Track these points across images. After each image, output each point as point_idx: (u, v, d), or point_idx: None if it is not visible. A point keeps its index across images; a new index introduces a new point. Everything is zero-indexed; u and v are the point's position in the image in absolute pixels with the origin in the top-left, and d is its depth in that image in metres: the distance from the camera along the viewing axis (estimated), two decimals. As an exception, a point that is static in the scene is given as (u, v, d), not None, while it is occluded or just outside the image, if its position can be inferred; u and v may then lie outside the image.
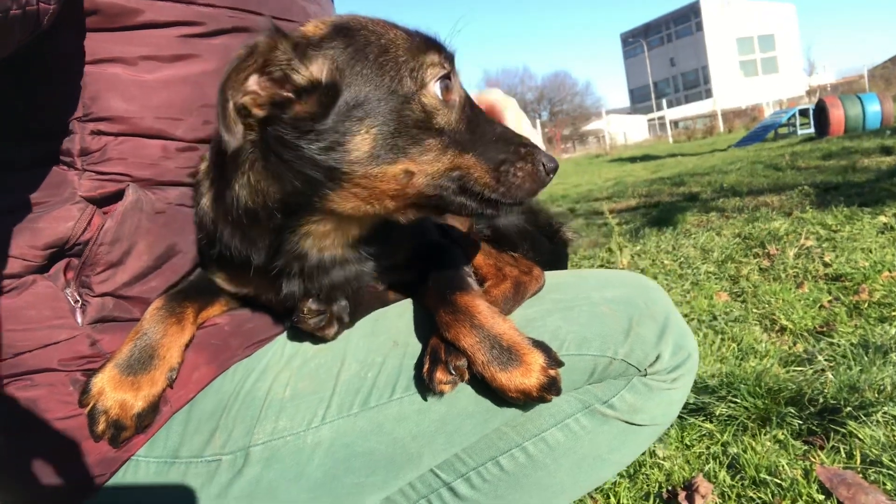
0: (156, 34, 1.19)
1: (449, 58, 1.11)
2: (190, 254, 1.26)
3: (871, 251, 4.61)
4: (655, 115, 59.70)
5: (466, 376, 1.11)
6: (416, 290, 1.32)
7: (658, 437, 1.42)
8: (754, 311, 3.89)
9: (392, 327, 1.27)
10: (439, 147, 1.05)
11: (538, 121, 45.04)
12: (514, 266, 1.33)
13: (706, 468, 2.13)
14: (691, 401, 2.62)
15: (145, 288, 1.19)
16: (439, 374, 1.10)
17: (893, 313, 3.35)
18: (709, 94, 75.44)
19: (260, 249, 1.15)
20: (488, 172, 1.06)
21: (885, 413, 2.19)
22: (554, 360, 1.10)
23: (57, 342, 1.10)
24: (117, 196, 1.18)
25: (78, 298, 1.14)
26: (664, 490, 2.07)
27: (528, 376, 1.07)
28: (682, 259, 5.42)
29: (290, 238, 1.13)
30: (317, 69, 1.03)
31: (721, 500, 1.96)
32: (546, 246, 1.48)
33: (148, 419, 1.11)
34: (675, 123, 52.86)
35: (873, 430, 2.11)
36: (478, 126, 1.11)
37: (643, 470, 2.20)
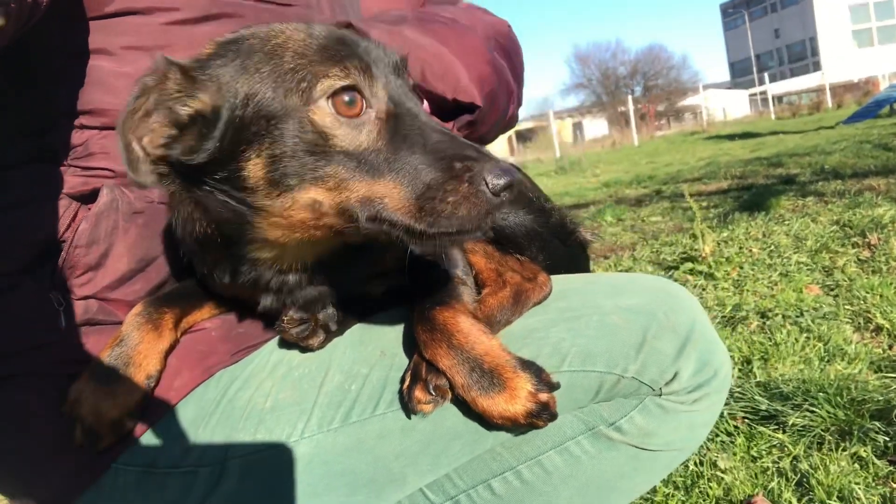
0: (137, 21, 1.14)
1: (357, 66, 0.94)
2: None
3: None
4: (757, 89, 56.66)
5: (449, 396, 1.01)
6: (409, 296, 1.22)
7: (680, 463, 1.27)
8: (847, 307, 3.58)
9: (381, 336, 1.18)
10: (344, 173, 0.91)
11: (630, 97, 43.60)
12: (516, 272, 1.21)
13: (770, 485, 1.95)
14: (763, 408, 2.42)
15: (129, 290, 1.16)
16: (418, 394, 1.01)
17: None
18: (816, 66, 70.98)
19: (222, 271, 1.09)
20: (408, 200, 0.88)
21: None
22: (545, 384, 0.98)
23: (43, 345, 1.09)
24: (96, 191, 1.14)
25: (62, 301, 1.11)
26: (720, 508, 1.91)
27: (513, 402, 0.97)
28: (772, 247, 5.08)
29: (246, 264, 1.06)
30: (204, 96, 0.94)
31: (783, 525, 1.78)
32: (559, 249, 1.34)
33: (124, 427, 1.08)
34: (779, 99, 49.95)
35: (971, 455, 1.87)
36: (406, 140, 0.92)
37: (700, 482, 2.04)
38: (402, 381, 1.07)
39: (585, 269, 1.48)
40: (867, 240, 4.79)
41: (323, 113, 0.92)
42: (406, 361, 1.12)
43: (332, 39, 0.96)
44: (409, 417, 1.07)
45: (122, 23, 1.13)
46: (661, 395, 1.13)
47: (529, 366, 1.00)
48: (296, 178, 0.92)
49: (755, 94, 56.27)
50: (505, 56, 1.57)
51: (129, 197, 1.15)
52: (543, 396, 0.97)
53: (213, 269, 1.10)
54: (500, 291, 1.18)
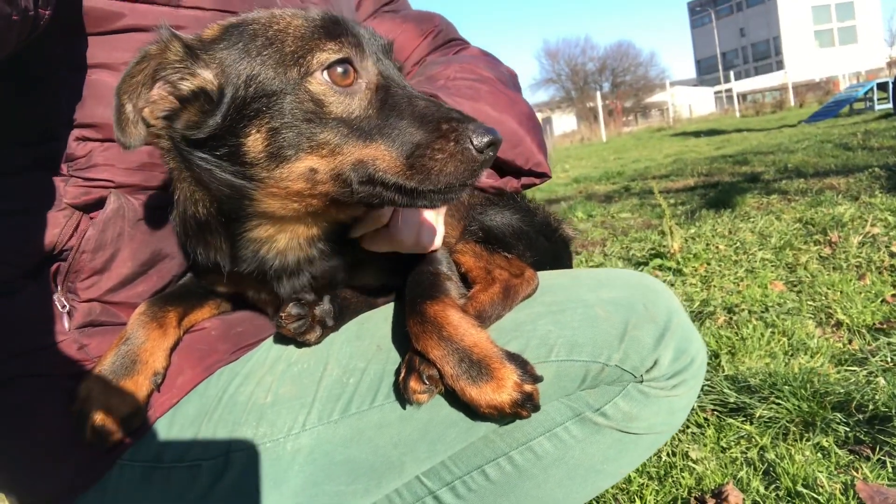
0: (142, 38, 1.15)
1: (349, 41, 1.01)
2: (177, 258, 1.25)
3: (942, 241, 4.33)
4: (723, 87, 57.52)
5: (441, 387, 1.06)
6: (400, 292, 1.27)
7: (661, 445, 1.34)
8: (809, 303, 3.71)
9: (377, 331, 1.22)
10: (338, 138, 0.97)
11: (598, 93, 43.95)
12: (504, 269, 1.26)
13: (740, 474, 2.03)
14: (731, 400, 2.51)
15: (132, 293, 1.18)
16: (413, 384, 1.05)
17: (962, 311, 3.13)
18: (780, 65, 72.29)
19: (224, 256, 1.13)
20: (398, 159, 0.95)
21: (940, 426, 2.04)
22: (529, 375, 1.03)
23: (46, 347, 1.10)
24: (102, 202, 1.17)
25: (65, 304, 1.14)
26: (693, 496, 1.98)
27: (499, 392, 1.01)
28: (738, 244, 5.21)
29: (246, 244, 1.11)
30: (207, 73, 1.00)
31: (752, 512, 1.86)
32: (544, 245, 1.40)
33: (134, 423, 1.10)
34: (744, 97, 50.82)
35: (925, 444, 1.98)
36: (395, 108, 0.99)
37: (673, 472, 2.12)
38: (398, 372, 1.12)
39: (569, 264, 1.53)
40: (828, 237, 4.94)
41: (319, 83, 0.99)
42: (401, 355, 1.16)
43: (327, 20, 1.04)
44: (404, 407, 1.12)
45: (126, 39, 1.15)
46: (642, 382, 1.19)
47: (515, 358, 1.05)
48: (293, 148, 0.98)
49: (720, 92, 57.15)
50: (534, 133, 1.63)
51: (134, 204, 1.18)
52: (528, 387, 1.02)
53: (214, 255, 1.14)
54: (490, 288, 1.22)
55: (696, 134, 23.32)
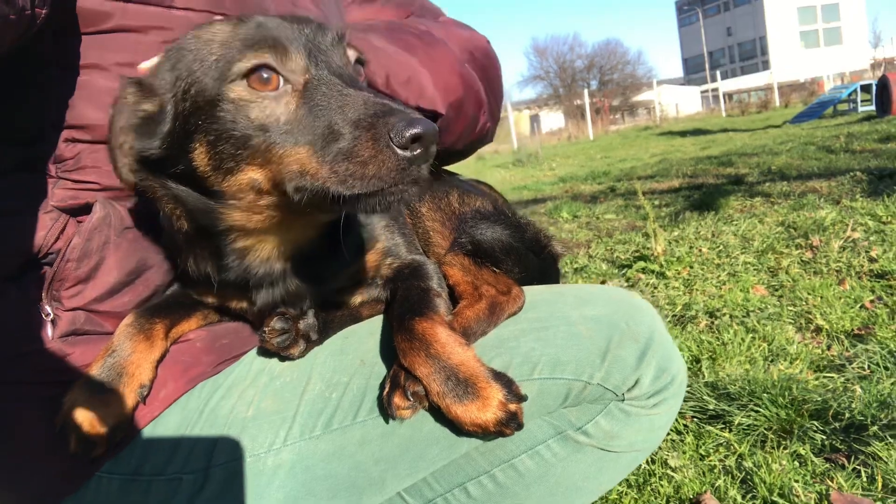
0: (131, 39, 1.15)
1: (269, 44, 0.98)
2: (163, 267, 1.24)
3: (921, 247, 4.39)
4: (709, 86, 57.86)
5: (426, 403, 1.06)
6: (389, 308, 1.28)
7: (639, 463, 1.36)
8: (790, 308, 3.75)
9: (362, 346, 1.23)
10: (265, 146, 0.96)
11: (586, 91, 44.03)
12: (491, 285, 1.26)
13: (718, 483, 2.06)
14: (711, 407, 2.54)
15: (117, 303, 1.18)
16: (397, 400, 1.06)
17: (938, 318, 3.18)
18: (766, 65, 72.85)
19: (211, 266, 1.14)
20: (320, 164, 0.91)
21: (913, 435, 2.07)
22: (514, 395, 1.04)
23: (28, 353, 1.10)
24: (89, 207, 1.16)
25: (49, 311, 1.13)
26: (670, 505, 2.01)
27: (484, 411, 1.02)
28: (721, 247, 5.26)
29: (230, 253, 1.12)
30: (154, 98, 1.02)
31: (729, 521, 1.89)
32: (533, 262, 1.41)
33: (118, 435, 1.10)
34: (730, 96, 51.16)
35: (899, 454, 2.01)
36: (322, 108, 0.94)
37: (652, 480, 2.14)
38: (382, 387, 1.12)
39: (556, 280, 1.55)
40: (810, 241, 5.00)
41: (239, 91, 0.97)
42: (385, 370, 1.17)
43: (251, 26, 1.02)
44: (387, 422, 1.12)
45: (116, 39, 1.14)
46: (623, 401, 1.20)
47: (501, 377, 1.05)
48: (232, 160, 0.98)
49: (707, 91, 57.50)
50: (479, 70, 1.61)
51: (120, 212, 1.17)
52: (513, 407, 1.03)
53: (202, 266, 1.15)
54: (477, 304, 1.23)
55: (683, 133, 23.45)
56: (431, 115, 1.43)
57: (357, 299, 1.30)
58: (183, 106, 1.01)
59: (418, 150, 0.87)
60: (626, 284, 4.77)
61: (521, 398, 1.05)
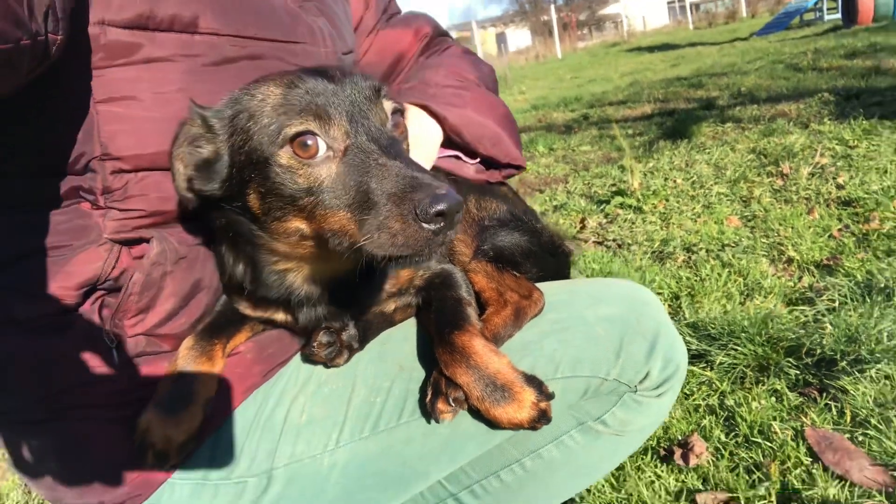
0: (162, 68, 1.19)
1: (313, 113, 1.08)
2: (212, 286, 1.34)
3: (886, 172, 4.56)
4: (676, -4, 56.97)
5: (465, 407, 1.19)
6: (420, 312, 1.40)
7: (646, 439, 1.52)
8: (763, 240, 3.92)
9: (398, 352, 1.34)
10: (310, 206, 1.07)
11: (553, 6, 43.06)
12: (514, 290, 1.37)
13: (703, 422, 2.25)
14: (693, 347, 2.71)
15: (174, 325, 1.27)
16: (440, 405, 1.18)
17: (902, 247, 3.36)
18: (733, -28, 71.46)
19: (255, 282, 1.27)
20: (356, 229, 1.02)
21: (878, 370, 2.27)
22: (545, 395, 1.17)
23: (97, 380, 1.19)
24: (141, 239, 1.24)
25: (113, 339, 1.22)
26: (661, 446, 2.20)
27: (520, 411, 1.15)
28: (695, 178, 5.39)
29: (269, 273, 1.25)
30: (212, 146, 1.15)
31: (715, 459, 2.08)
32: (550, 262, 1.52)
33: (189, 448, 1.22)
34: (696, 7, 50.48)
35: (865, 388, 2.20)
36: (360, 176, 1.04)
37: (643, 422, 2.33)
38: (423, 393, 1.25)
39: (568, 274, 1.67)
40: (780, 169, 5.15)
41: (286, 156, 1.08)
42: (422, 373, 1.29)
43: (299, 91, 1.10)
44: (429, 423, 1.25)
45: (149, 69, 1.18)
46: (636, 392, 1.35)
47: (532, 380, 1.18)
48: (280, 210, 1.11)
49: (673, 2, 56.59)
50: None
51: (173, 244, 1.25)
52: (543, 405, 1.16)
53: (250, 281, 1.28)
54: (503, 311, 1.34)
55: (651, 49, 23.26)
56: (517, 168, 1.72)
57: (391, 306, 1.42)
58: (239, 158, 1.13)
59: (442, 224, 0.97)
60: (605, 220, 4.91)
61: (550, 397, 1.18)
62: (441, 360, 1.21)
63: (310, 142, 1.07)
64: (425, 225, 0.96)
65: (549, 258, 1.53)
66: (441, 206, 0.95)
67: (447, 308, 1.29)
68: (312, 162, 1.07)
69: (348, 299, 1.30)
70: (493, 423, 1.19)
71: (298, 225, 1.11)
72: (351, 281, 1.26)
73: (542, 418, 1.16)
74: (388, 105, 1.18)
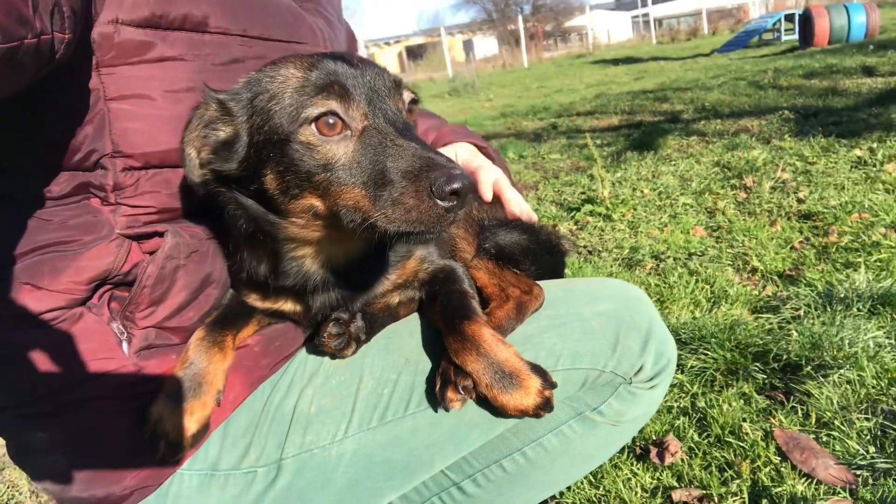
0: (174, 66, 1.21)
1: (336, 93, 1.12)
2: (221, 280, 1.35)
3: (843, 188, 4.75)
4: (640, 11, 58.08)
5: (473, 395, 1.23)
6: (422, 307, 1.44)
7: (638, 430, 1.58)
8: (728, 250, 4.06)
9: (404, 345, 1.38)
10: (326, 183, 1.11)
11: (520, 15, 43.50)
12: (515, 286, 1.42)
13: (677, 423, 2.33)
14: (665, 351, 2.80)
15: (184, 318, 1.28)
16: (450, 394, 1.22)
17: (858, 259, 3.52)
18: (695, -10, 73.14)
19: (269, 269, 1.29)
20: (372, 204, 1.06)
21: (840, 375, 2.38)
22: (549, 383, 1.22)
23: (107, 372, 1.20)
24: (152, 234, 1.25)
25: (123, 330, 1.23)
26: (638, 445, 2.27)
27: (526, 398, 1.20)
28: (662, 189, 5.54)
29: (289, 260, 1.27)
30: (234, 122, 1.17)
31: (689, 457, 2.16)
32: (547, 260, 1.58)
33: (200, 438, 1.23)
34: (660, 22, 51.58)
35: (829, 392, 2.31)
36: (377, 155, 1.09)
37: (619, 422, 2.40)
38: (431, 381, 1.29)
39: (563, 273, 1.72)
40: (744, 182, 5.32)
41: (310, 133, 1.12)
42: (428, 365, 1.33)
43: (322, 73, 1.14)
44: (436, 411, 1.29)
45: (162, 68, 1.20)
46: (630, 384, 1.41)
47: (537, 369, 1.23)
48: (297, 188, 1.14)
49: (637, 17, 57.70)
50: None
51: (186, 238, 1.26)
52: (548, 393, 1.21)
53: (262, 271, 1.30)
54: (505, 305, 1.39)
55: (615, 62, 23.72)
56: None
57: (395, 299, 1.45)
58: (258, 138, 1.15)
59: (455, 202, 1.02)
60: (575, 227, 5.00)
61: (553, 385, 1.23)
62: (451, 348, 1.24)
63: (331, 121, 1.11)
64: (440, 202, 1.01)
65: (547, 256, 1.58)
66: (456, 185, 1.00)
67: (454, 300, 1.34)
68: (331, 139, 1.11)
69: (359, 283, 1.34)
70: (499, 411, 1.24)
71: (313, 202, 1.14)
72: (361, 264, 1.30)
73: (545, 406, 1.20)
74: (407, 95, 1.23)
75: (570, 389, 1.37)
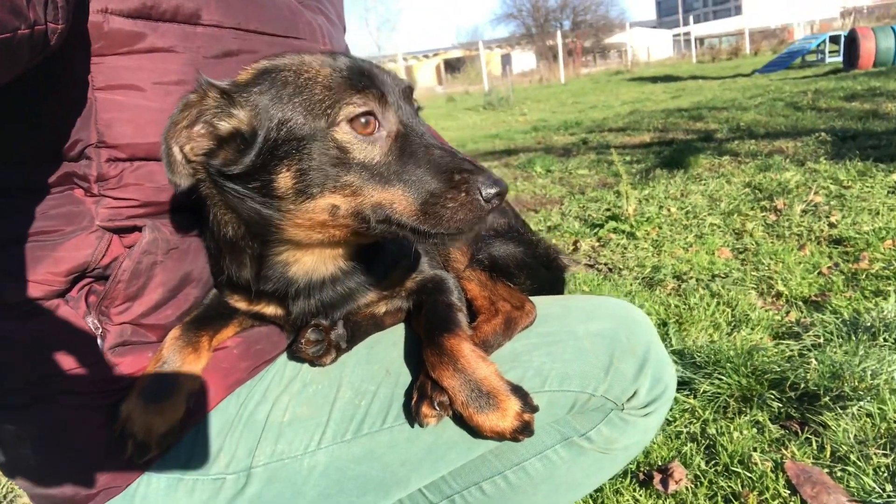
0: (164, 58, 1.19)
1: (373, 94, 1.11)
2: (202, 280, 1.33)
3: (878, 213, 4.60)
4: (681, 30, 57.65)
5: (450, 412, 1.18)
6: (410, 317, 1.39)
7: (631, 459, 1.51)
8: (753, 273, 3.94)
9: (386, 356, 1.34)
10: (359, 181, 1.08)
11: (559, 31, 43.49)
12: (507, 300, 1.37)
13: (684, 449, 2.25)
14: (678, 374, 2.71)
15: (161, 316, 1.26)
16: (425, 409, 1.18)
17: (889, 287, 3.39)
18: (738, 10, 72.49)
19: (251, 274, 1.25)
20: (413, 205, 1.06)
21: (860, 408, 2.28)
22: (529, 406, 1.17)
23: (80, 367, 1.18)
24: (133, 228, 1.23)
25: (98, 326, 1.21)
26: (641, 471, 2.19)
27: (503, 420, 1.14)
28: (689, 208, 5.42)
29: (273, 265, 1.23)
30: (242, 115, 1.10)
31: (694, 486, 2.08)
32: (544, 275, 1.53)
33: (170, 440, 1.21)
34: (701, 41, 51.05)
35: (847, 424, 2.21)
36: (412, 155, 1.10)
37: (624, 446, 2.32)
38: (409, 397, 1.24)
39: (561, 289, 1.67)
40: (774, 204, 5.19)
41: (344, 132, 1.09)
42: (408, 378, 1.29)
43: (354, 72, 1.12)
44: (413, 426, 1.24)
45: (151, 59, 1.18)
46: (623, 410, 1.34)
47: (518, 390, 1.18)
48: (318, 187, 1.09)
49: (678, 36, 57.25)
50: None
51: (166, 233, 1.24)
52: (527, 416, 1.16)
53: (244, 275, 1.26)
54: (494, 319, 1.34)
55: (653, 80, 23.51)
56: None
57: (381, 308, 1.41)
58: (277, 134, 1.09)
59: (496, 203, 1.05)
60: (598, 244, 4.92)
61: (535, 409, 1.17)
62: (428, 361, 1.20)
63: (365, 120, 1.10)
64: (484, 203, 1.04)
65: (543, 270, 1.53)
66: (500, 188, 1.04)
67: (438, 311, 1.29)
68: (369, 139, 1.10)
69: (342, 292, 1.30)
70: (475, 431, 1.19)
71: (334, 202, 1.09)
72: (346, 273, 1.27)
73: (525, 430, 1.15)
74: (415, 103, 1.22)
75: (557, 412, 1.31)
